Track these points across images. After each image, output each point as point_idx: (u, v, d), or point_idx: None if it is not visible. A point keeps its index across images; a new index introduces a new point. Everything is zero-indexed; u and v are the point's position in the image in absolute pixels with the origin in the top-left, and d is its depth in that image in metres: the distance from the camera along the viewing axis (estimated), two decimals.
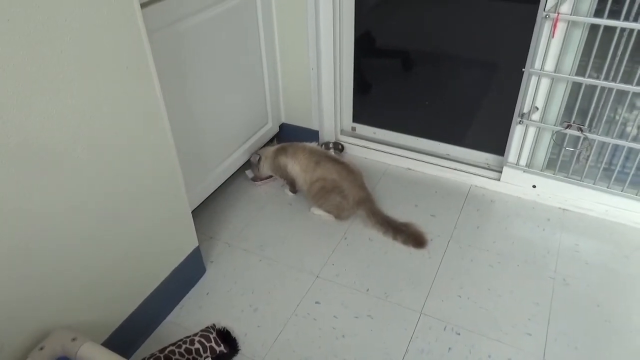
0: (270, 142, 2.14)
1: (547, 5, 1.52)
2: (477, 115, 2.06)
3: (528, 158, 1.85)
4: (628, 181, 1.71)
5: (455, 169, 2.04)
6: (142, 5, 1.17)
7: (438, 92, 2.12)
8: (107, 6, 1.04)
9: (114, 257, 1.25)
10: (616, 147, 1.69)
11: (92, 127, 1.08)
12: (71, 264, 1.13)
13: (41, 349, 1.04)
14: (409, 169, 2.12)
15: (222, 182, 1.91)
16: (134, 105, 1.18)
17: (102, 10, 1.03)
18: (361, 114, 2.24)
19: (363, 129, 2.25)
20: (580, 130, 1.68)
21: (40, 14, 0.92)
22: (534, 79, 1.68)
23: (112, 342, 1.28)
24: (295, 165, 1.84)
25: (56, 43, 0.96)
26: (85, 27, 1.01)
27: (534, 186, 1.89)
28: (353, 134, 2.26)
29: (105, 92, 1.10)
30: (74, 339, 1.06)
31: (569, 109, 1.68)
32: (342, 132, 2.27)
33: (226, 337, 1.41)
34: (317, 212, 1.86)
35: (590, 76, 1.59)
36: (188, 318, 1.50)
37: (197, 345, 1.34)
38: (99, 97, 1.08)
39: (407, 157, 2.12)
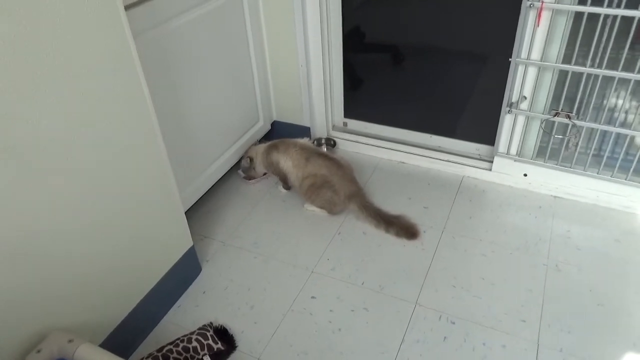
0: (259, 141, 2.12)
1: None
2: (467, 107, 2.07)
3: (518, 147, 1.86)
4: (617, 166, 1.72)
5: (447, 161, 2.05)
6: (126, 8, 1.18)
7: (428, 85, 2.13)
8: (91, 9, 1.04)
9: (109, 258, 1.26)
10: (605, 133, 1.70)
11: (80, 129, 1.09)
12: (66, 266, 1.14)
13: (38, 351, 1.04)
14: (401, 162, 2.13)
15: (215, 181, 1.92)
16: (122, 108, 1.18)
17: (87, 13, 1.03)
18: (352, 109, 2.24)
19: (354, 124, 2.25)
20: (569, 117, 1.69)
21: (24, 17, 0.92)
22: (520, 69, 1.69)
23: (109, 343, 1.29)
24: (287, 162, 1.85)
25: (41, 46, 0.96)
26: (70, 30, 1.01)
27: (525, 175, 1.91)
28: (345, 129, 2.27)
29: (93, 95, 1.10)
30: (70, 341, 1.06)
31: (556, 97, 1.70)
32: (334, 127, 2.27)
33: (223, 335, 1.42)
34: (310, 208, 1.87)
35: (576, 63, 1.60)
36: (185, 317, 1.51)
37: (194, 343, 1.35)
38: (86, 100, 1.09)
39: (399, 151, 2.13)
